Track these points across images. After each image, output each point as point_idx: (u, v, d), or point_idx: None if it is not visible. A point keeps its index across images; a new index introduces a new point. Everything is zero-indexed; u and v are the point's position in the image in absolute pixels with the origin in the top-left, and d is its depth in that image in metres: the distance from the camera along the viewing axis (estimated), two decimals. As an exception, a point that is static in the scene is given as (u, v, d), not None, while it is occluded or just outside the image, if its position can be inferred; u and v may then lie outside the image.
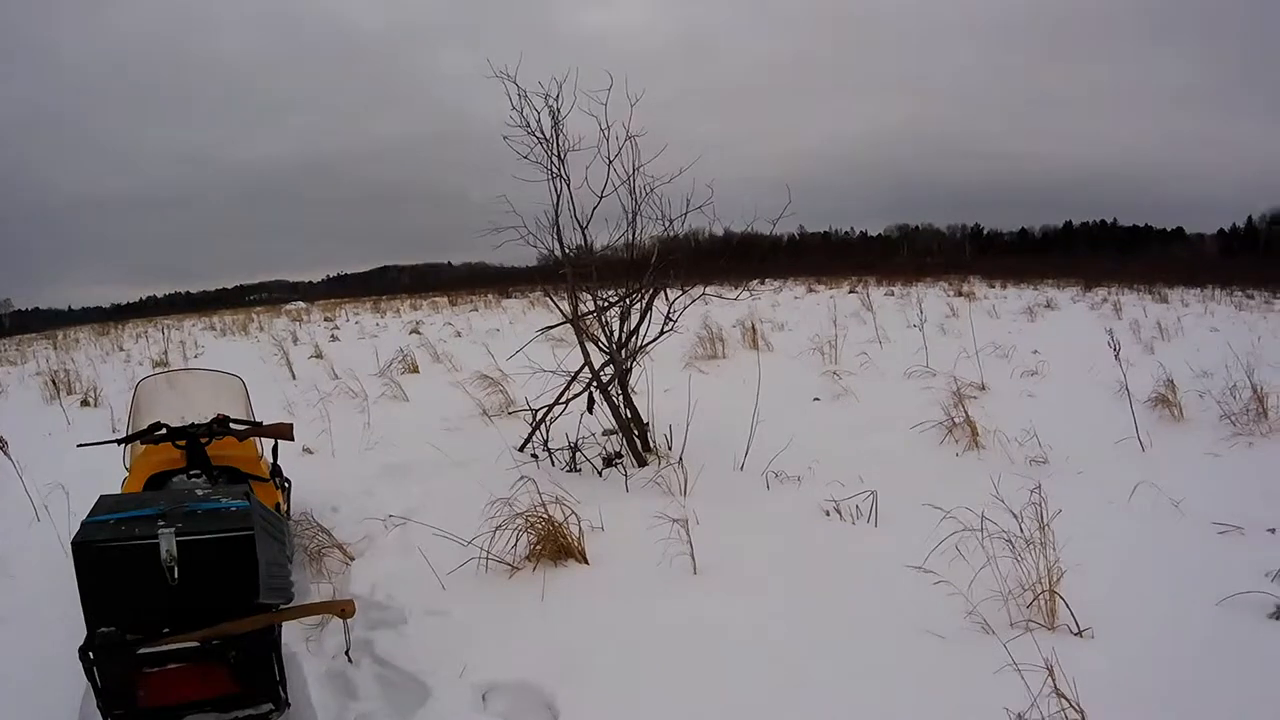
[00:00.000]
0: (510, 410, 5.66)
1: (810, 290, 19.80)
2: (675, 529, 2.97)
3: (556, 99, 4.20)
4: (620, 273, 4.62)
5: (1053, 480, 3.19)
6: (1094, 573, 2.59)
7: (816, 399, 5.93)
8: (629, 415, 4.47)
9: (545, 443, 4.55)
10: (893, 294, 16.88)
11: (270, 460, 3.06)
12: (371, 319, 18.56)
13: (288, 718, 1.87)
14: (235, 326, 18.53)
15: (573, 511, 3.11)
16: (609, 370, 4.46)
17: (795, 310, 13.62)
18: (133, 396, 3.07)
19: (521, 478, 3.34)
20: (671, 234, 4.56)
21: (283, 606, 1.90)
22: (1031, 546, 2.46)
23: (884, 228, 60.53)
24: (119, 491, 2.50)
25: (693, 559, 2.90)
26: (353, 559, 3.27)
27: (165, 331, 17.23)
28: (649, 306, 4.55)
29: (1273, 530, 3.03)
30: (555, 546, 3.02)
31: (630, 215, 4.47)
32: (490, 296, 23.43)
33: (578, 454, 4.38)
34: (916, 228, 59.14)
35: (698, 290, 4.80)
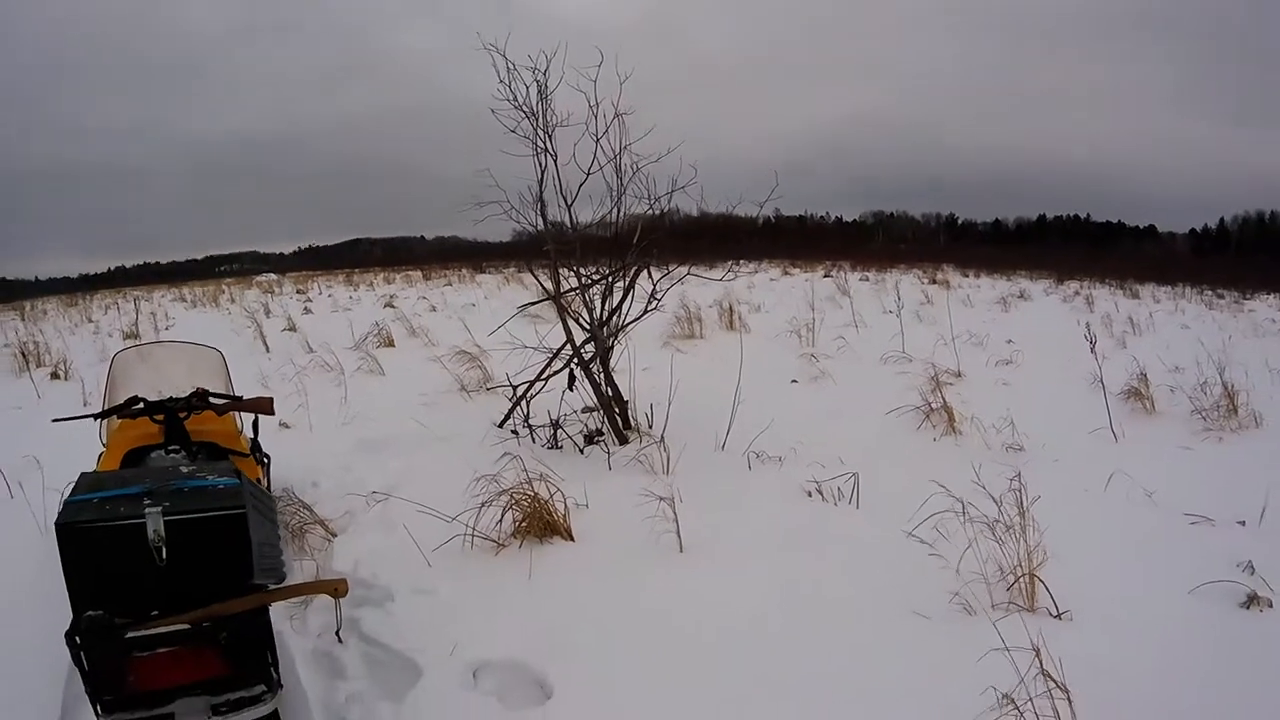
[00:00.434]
0: (489, 386, 5.60)
1: (786, 273, 19.82)
2: (660, 507, 2.97)
3: (544, 73, 4.16)
4: (603, 250, 4.59)
5: (1030, 467, 3.24)
6: (1071, 558, 2.66)
7: (794, 381, 5.97)
8: (610, 393, 4.46)
9: (526, 419, 4.53)
10: (868, 279, 16.97)
11: (250, 435, 3.00)
12: (344, 292, 18.22)
13: (278, 699, 1.84)
14: (206, 298, 18.05)
15: (558, 489, 3.10)
16: (590, 348, 4.45)
17: (771, 292, 13.61)
18: (109, 370, 2.96)
19: (504, 454, 3.31)
20: (656, 212, 4.53)
21: (274, 586, 1.87)
22: (1012, 531, 2.51)
23: (859, 214, 60.87)
24: (95, 468, 2.43)
25: (679, 537, 2.91)
26: (335, 535, 3.23)
27: (135, 303, 16.70)
28: (632, 284, 4.53)
29: (1243, 523, 3.13)
30: (541, 523, 3.01)
31: (616, 194, 4.44)
32: (464, 271, 23.11)
33: (559, 431, 4.37)
34: (891, 214, 59.63)
35: (681, 270, 4.79)
